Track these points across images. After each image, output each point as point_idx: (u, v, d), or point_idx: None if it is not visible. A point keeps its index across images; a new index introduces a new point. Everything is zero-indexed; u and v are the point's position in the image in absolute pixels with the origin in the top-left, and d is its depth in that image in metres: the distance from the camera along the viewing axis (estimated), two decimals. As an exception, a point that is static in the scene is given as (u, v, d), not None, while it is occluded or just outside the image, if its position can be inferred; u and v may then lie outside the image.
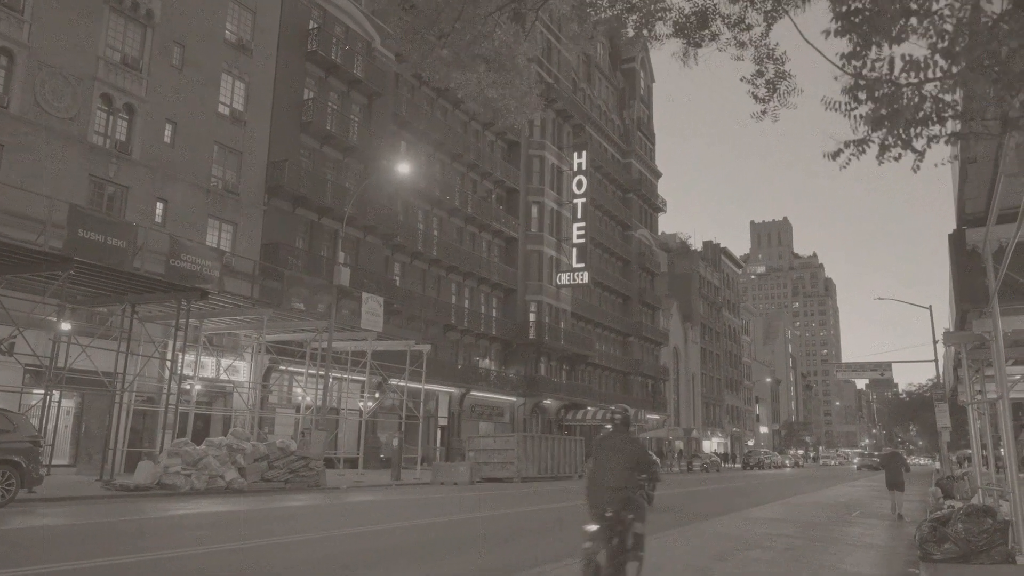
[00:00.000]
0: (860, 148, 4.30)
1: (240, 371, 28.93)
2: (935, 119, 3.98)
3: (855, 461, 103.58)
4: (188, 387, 25.36)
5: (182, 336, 21.43)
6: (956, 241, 11.31)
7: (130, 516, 12.99)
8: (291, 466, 21.96)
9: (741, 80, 6.07)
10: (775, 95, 6.16)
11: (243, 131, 30.54)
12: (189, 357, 26.55)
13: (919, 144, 4.06)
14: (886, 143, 4.08)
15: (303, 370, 29.77)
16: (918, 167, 4.25)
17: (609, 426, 7.10)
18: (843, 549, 11.61)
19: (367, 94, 37.40)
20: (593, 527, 6.20)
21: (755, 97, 6.17)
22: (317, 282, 28.38)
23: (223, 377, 27.82)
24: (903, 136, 4.02)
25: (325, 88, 35.31)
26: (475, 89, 6.64)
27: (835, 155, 4.46)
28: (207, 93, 29.14)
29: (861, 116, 4.27)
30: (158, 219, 26.69)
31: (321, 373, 27.28)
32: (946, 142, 4.23)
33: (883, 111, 3.98)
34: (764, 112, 6.13)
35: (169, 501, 16.71)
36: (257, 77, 31.38)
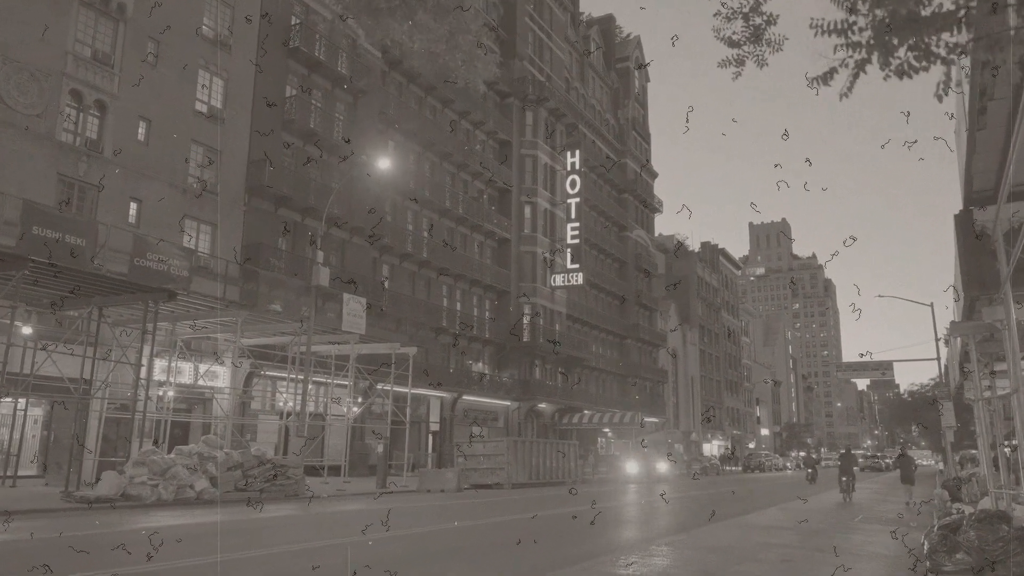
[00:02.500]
0: (859, 61, 3.35)
1: (220, 377, 27.97)
2: (954, 27, 3.07)
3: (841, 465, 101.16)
4: (161, 393, 24.42)
5: (151, 339, 20.49)
6: (963, 222, 10.37)
7: (71, 532, 12.02)
8: (267, 475, 20.99)
9: (715, 15, 5.10)
10: (758, 38, 5.17)
11: (222, 129, 29.63)
12: (163, 362, 25.65)
13: (940, 48, 3.12)
14: (891, 48, 3.14)
15: (285, 375, 28.79)
16: (944, 91, 3.30)
17: (843, 450, 27.69)
18: (845, 560, 10.65)
19: (352, 92, 36.50)
20: (844, 478, 24.34)
21: (729, 41, 5.19)
22: (295, 283, 27.44)
23: (201, 383, 26.85)
24: (916, 44, 3.09)
25: (308, 85, 34.42)
26: (412, 42, 5.69)
27: (826, 77, 3.53)
28: (183, 90, 28.24)
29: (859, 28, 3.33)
30: (131, 219, 25.77)
31: (303, 378, 26.31)
32: (962, 52, 3.30)
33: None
34: (741, 63, 5.15)
35: (128, 513, 15.74)
36: (236, 74, 30.49)
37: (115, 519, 14.35)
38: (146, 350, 20.35)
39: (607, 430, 58.70)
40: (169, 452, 20.27)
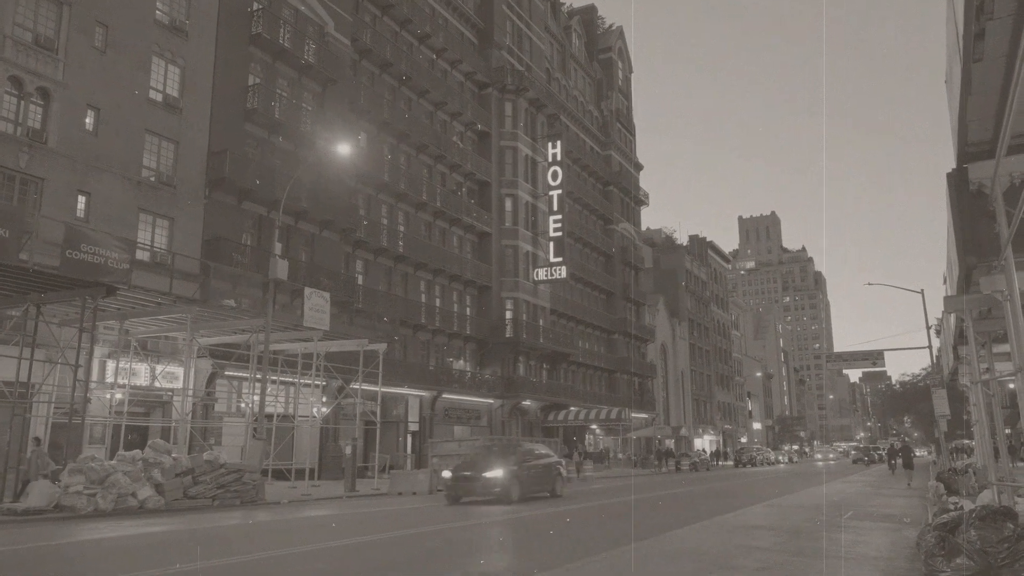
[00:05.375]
0: None
1: (180, 378, 26.59)
2: None
3: (817, 457, 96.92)
4: (109, 396, 23.08)
5: (91, 338, 19.15)
6: (956, 181, 9.16)
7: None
8: (220, 480, 19.68)
9: None
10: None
11: (179, 119, 28.27)
12: (114, 363, 24.32)
13: None
14: None
15: (248, 375, 27.42)
16: None
17: (898, 442, 48.69)
18: (831, 564, 9.45)
19: (321, 81, 35.15)
20: (893, 460, 39.02)
21: None
22: (257, 278, 26.05)
23: (159, 384, 25.50)
24: None
25: (272, 74, 33.05)
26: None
27: None
28: (136, 78, 26.84)
29: None
30: (80, 214, 24.40)
31: (270, 378, 24.97)
32: None
33: None
34: None
35: (54, 525, 14.41)
36: (193, 61, 29.10)
37: (31, 532, 13.01)
38: (87, 349, 19.01)
39: (595, 426, 57.50)
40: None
